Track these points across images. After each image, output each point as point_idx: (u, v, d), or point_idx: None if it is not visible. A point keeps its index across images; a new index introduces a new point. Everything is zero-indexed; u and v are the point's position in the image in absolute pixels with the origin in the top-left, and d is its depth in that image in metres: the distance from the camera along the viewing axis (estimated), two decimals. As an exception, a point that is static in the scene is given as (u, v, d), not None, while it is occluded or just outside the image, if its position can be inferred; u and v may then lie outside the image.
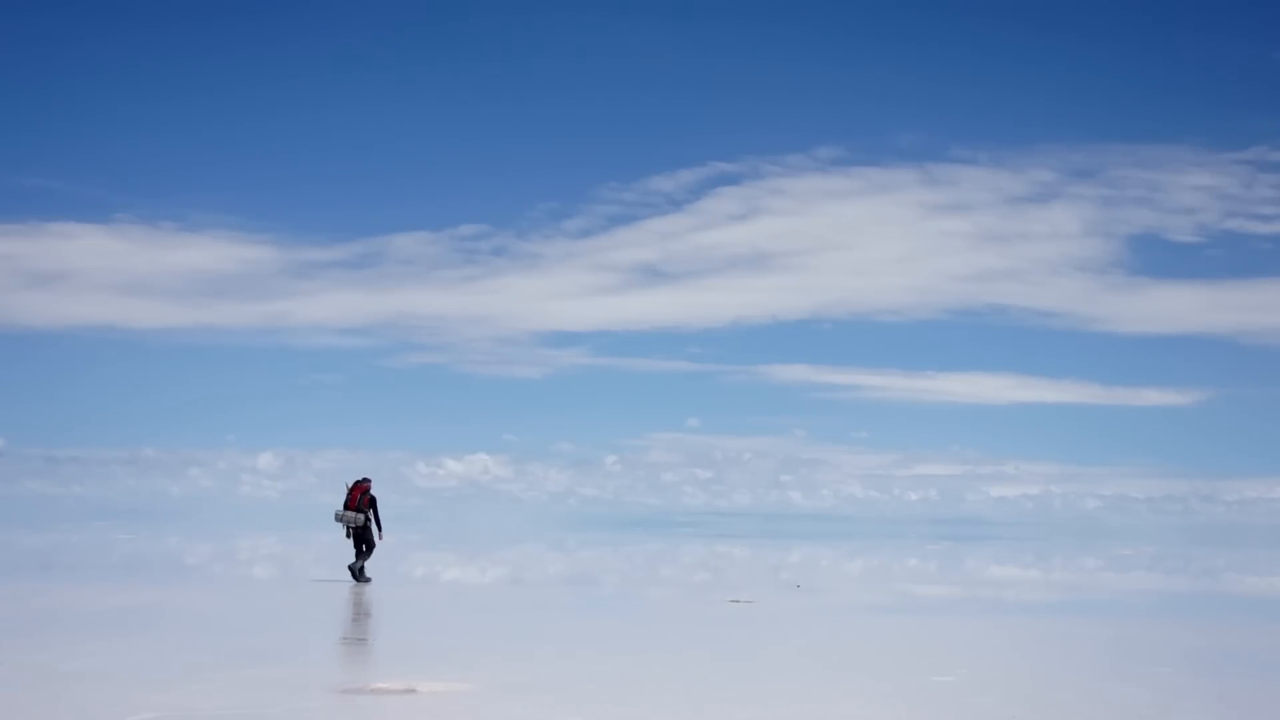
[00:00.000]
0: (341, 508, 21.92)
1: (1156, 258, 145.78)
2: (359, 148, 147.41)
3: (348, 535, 22.13)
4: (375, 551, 22.36)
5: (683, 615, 18.47)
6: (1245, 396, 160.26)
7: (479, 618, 17.57)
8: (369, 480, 22.08)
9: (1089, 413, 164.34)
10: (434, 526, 75.08)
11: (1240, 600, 25.96)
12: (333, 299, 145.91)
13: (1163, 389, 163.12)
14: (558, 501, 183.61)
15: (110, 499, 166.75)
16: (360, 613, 17.92)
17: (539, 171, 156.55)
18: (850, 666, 12.83)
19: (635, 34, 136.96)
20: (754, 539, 63.11)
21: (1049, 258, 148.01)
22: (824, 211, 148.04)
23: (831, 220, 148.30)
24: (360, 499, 21.93)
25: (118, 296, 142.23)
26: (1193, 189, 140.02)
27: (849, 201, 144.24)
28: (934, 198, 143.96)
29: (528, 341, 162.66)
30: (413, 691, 10.23)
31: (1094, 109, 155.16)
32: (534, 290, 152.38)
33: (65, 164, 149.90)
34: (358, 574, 21.84)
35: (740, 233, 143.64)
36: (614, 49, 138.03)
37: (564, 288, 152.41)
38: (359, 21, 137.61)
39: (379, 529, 22.16)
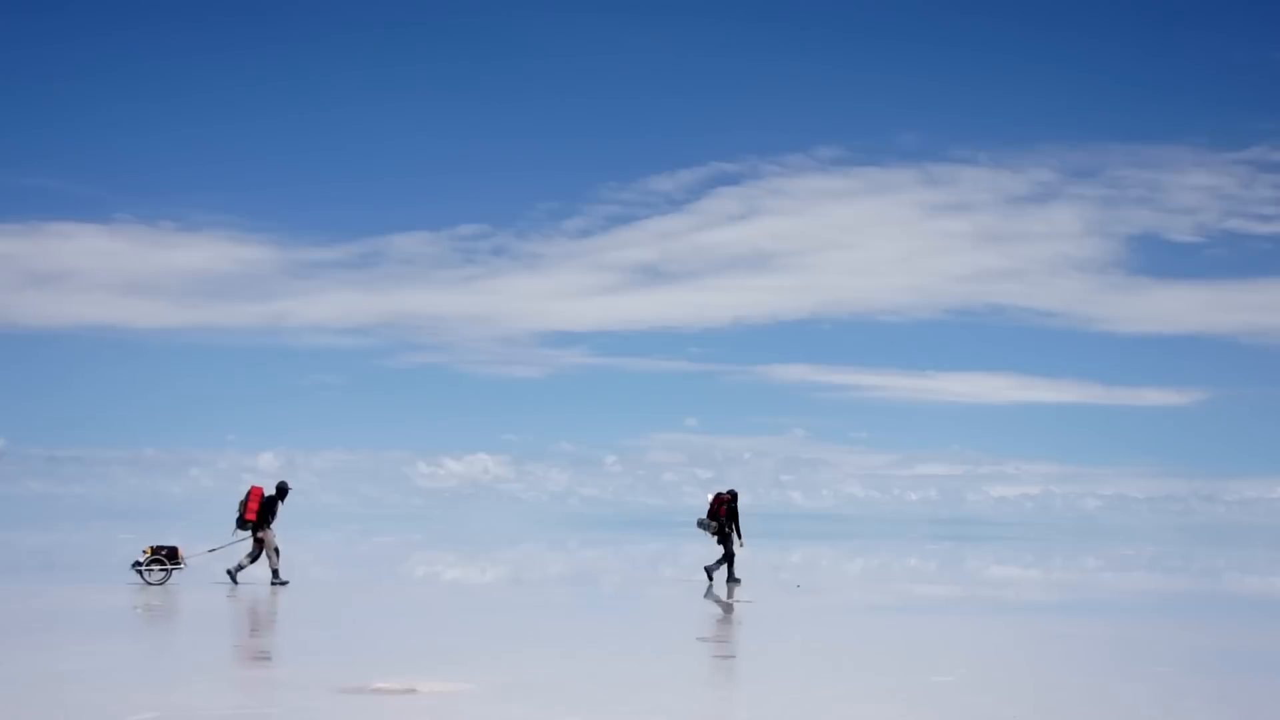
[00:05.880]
0: (706, 515, 23.85)
1: (1156, 258, 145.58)
2: (359, 148, 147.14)
3: (719, 541, 23.89)
4: (731, 559, 23.72)
5: (683, 615, 18.48)
6: (1245, 396, 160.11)
7: (479, 618, 17.57)
8: (730, 492, 23.97)
9: (1089, 413, 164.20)
10: (434, 526, 75.10)
11: (1240, 600, 25.96)
12: (333, 299, 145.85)
13: (1163, 389, 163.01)
14: (558, 501, 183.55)
15: (111, 499, 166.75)
16: (720, 616, 17.90)
17: (539, 171, 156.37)
18: (850, 666, 12.83)
19: (634, 34, 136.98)
20: (754, 539, 63.06)
21: (1049, 258, 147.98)
22: (824, 211, 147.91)
23: (831, 220, 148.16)
24: (719, 509, 23.75)
25: (118, 296, 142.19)
26: (1193, 189, 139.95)
27: (849, 201, 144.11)
28: (934, 198, 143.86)
29: (528, 341, 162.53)
30: (413, 691, 10.23)
31: (1094, 109, 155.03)
32: (534, 290, 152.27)
33: (65, 164, 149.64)
34: (709, 572, 23.60)
35: (740, 233, 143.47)
36: (613, 49, 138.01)
37: (564, 288, 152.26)
38: (358, 21, 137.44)
39: (739, 537, 23.82)
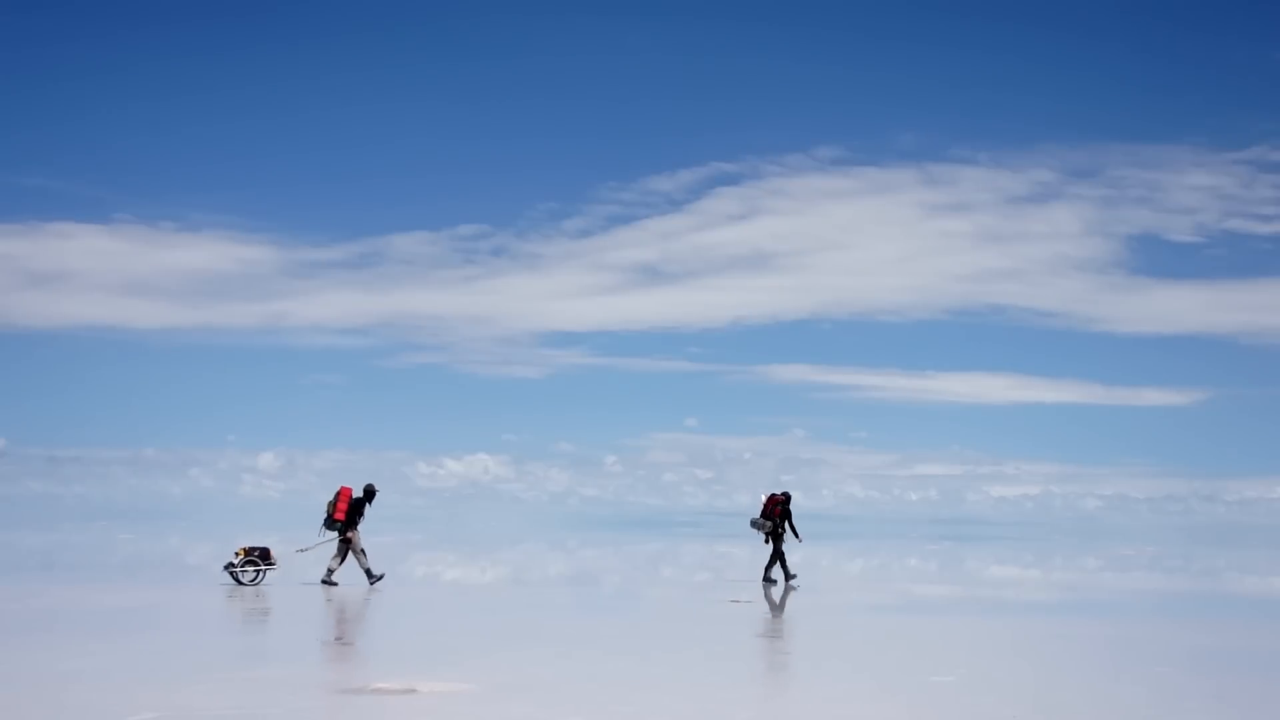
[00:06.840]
0: (760, 515, 24.52)
1: (1156, 258, 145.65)
2: (359, 148, 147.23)
3: (766, 540, 24.63)
4: (783, 558, 24.49)
5: (683, 615, 18.48)
6: (1245, 396, 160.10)
7: (479, 618, 17.58)
8: (784, 494, 24.68)
9: (1089, 413, 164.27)
10: (434, 526, 75.08)
11: (1240, 600, 25.97)
12: (333, 299, 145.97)
13: (1163, 389, 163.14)
14: (558, 501, 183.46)
15: (111, 499, 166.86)
16: (776, 615, 17.94)
17: (539, 171, 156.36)
18: (850, 666, 12.83)
19: (634, 34, 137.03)
20: (754, 539, 63.03)
21: (1049, 258, 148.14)
22: (824, 211, 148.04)
23: (831, 220, 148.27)
24: (773, 509, 24.48)
25: (118, 296, 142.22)
26: (1193, 189, 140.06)
27: (849, 201, 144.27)
28: (934, 198, 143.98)
29: (528, 341, 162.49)
30: (413, 691, 10.24)
31: (1094, 109, 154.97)
32: (534, 290, 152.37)
33: (65, 164, 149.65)
34: (765, 574, 24.39)
35: (740, 233, 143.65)
36: (613, 49, 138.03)
37: (564, 288, 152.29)
38: (359, 21, 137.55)
39: (795, 535, 24.67)
